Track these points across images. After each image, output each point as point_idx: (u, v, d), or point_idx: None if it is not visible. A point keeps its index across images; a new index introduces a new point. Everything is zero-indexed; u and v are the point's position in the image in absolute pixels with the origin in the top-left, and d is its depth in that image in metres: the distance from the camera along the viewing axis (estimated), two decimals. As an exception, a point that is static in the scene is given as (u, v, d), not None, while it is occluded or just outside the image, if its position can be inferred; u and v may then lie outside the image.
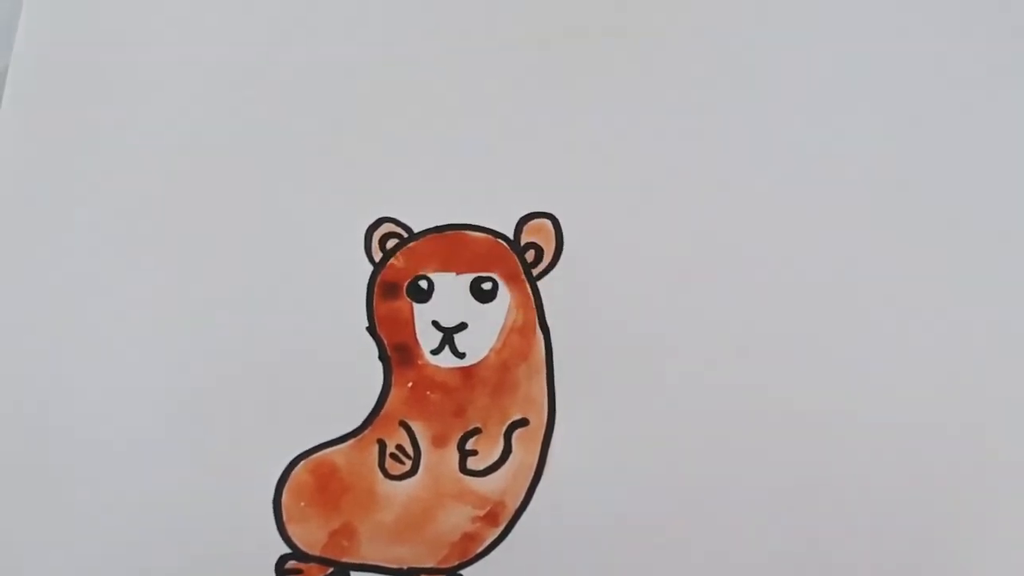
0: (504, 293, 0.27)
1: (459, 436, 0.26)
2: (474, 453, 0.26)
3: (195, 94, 0.29)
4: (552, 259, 0.27)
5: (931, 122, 0.28)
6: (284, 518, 0.26)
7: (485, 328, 0.26)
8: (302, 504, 0.26)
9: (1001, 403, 0.26)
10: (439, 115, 0.28)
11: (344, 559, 0.26)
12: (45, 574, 0.26)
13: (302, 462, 0.26)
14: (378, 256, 0.27)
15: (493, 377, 0.26)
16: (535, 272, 0.27)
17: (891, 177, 0.28)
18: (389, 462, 0.26)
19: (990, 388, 0.26)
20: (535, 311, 0.27)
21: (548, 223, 0.27)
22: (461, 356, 0.26)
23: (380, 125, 0.28)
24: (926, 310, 0.27)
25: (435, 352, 0.26)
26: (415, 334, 0.26)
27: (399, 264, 0.27)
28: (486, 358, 0.26)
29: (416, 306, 0.27)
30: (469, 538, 0.26)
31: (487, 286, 0.27)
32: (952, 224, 0.27)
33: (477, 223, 0.27)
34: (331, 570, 0.26)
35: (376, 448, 0.26)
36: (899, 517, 0.25)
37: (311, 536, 0.26)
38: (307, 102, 0.28)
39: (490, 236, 0.27)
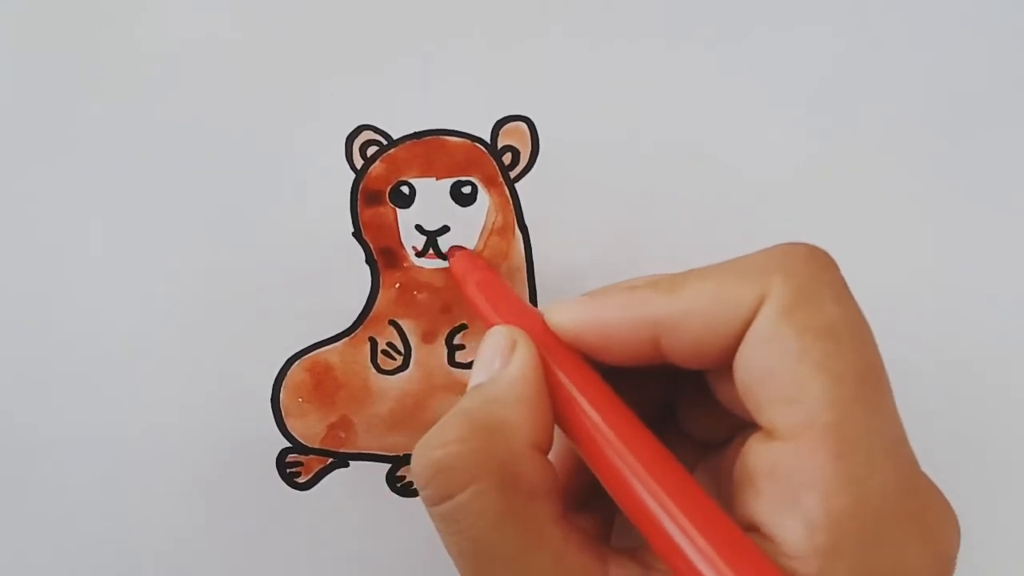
0: (483, 196, 0.28)
1: (447, 332, 0.28)
2: (462, 347, 0.28)
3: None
4: (528, 161, 0.28)
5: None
6: (283, 414, 0.28)
7: (466, 230, 0.28)
8: (300, 400, 0.28)
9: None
10: (414, 22, 0.28)
11: (342, 450, 0.28)
12: (53, 475, 0.28)
13: (298, 361, 0.28)
14: (359, 164, 0.28)
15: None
16: (512, 174, 0.28)
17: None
18: (381, 358, 0.28)
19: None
20: (514, 212, 0.28)
21: (524, 126, 0.28)
22: (445, 257, 0.28)
23: (357, 34, 0.28)
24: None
25: (420, 254, 0.28)
26: (399, 238, 0.28)
27: (380, 171, 0.28)
28: (469, 258, 0.28)
29: (399, 211, 0.28)
30: (458, 425, 0.28)
31: (467, 190, 0.28)
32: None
33: (454, 128, 0.28)
34: (331, 461, 0.28)
35: (368, 346, 0.28)
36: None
37: (310, 430, 0.28)
38: (285, 11, 0.28)
39: (468, 140, 0.28)
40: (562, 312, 0.20)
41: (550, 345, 0.19)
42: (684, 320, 0.18)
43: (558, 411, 0.19)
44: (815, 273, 0.17)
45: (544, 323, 0.20)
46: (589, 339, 0.19)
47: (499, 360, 0.19)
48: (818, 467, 0.16)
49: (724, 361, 0.18)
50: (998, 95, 0.29)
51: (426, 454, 0.17)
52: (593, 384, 0.19)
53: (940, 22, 0.29)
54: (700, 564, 0.15)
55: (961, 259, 0.29)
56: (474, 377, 0.20)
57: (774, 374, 0.17)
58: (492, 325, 0.21)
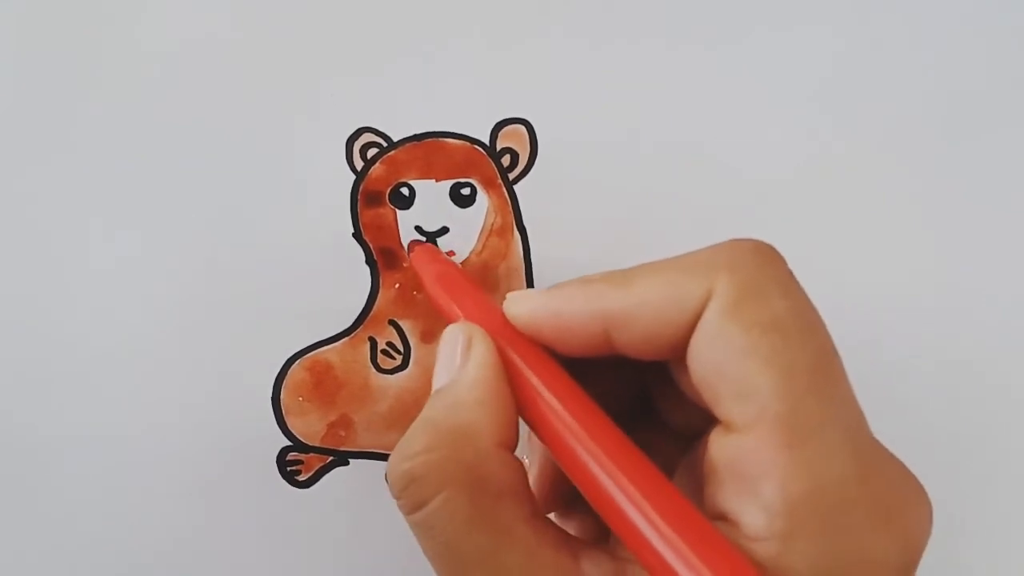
0: (482, 197, 0.28)
1: (446, 332, 0.28)
2: (461, 347, 0.28)
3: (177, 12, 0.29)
4: (527, 163, 0.28)
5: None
6: (284, 413, 0.28)
7: (466, 231, 0.28)
8: (300, 399, 0.28)
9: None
10: (414, 22, 0.28)
11: (342, 448, 0.28)
12: (53, 475, 0.28)
13: (298, 361, 0.28)
14: (359, 165, 0.28)
15: (475, 277, 0.28)
16: (511, 176, 0.28)
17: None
18: (381, 358, 0.28)
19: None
20: (512, 214, 0.28)
21: (523, 128, 0.28)
22: (444, 258, 0.28)
23: (357, 34, 0.28)
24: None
25: (419, 255, 0.28)
26: (399, 239, 0.28)
27: (380, 172, 0.28)
28: (467, 259, 0.28)
29: (399, 212, 0.28)
30: (457, 424, 0.28)
31: (466, 191, 0.28)
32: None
33: (454, 129, 0.28)
34: (331, 459, 0.28)
35: (368, 346, 0.28)
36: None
37: (310, 428, 0.28)
38: (285, 11, 0.28)
39: (467, 143, 0.28)
40: (519, 304, 0.20)
41: (512, 338, 0.19)
42: (634, 314, 0.18)
43: (521, 405, 0.19)
44: (761, 268, 0.17)
45: (505, 315, 0.20)
46: (545, 331, 0.19)
47: (458, 358, 0.19)
48: (773, 457, 0.16)
49: (676, 355, 0.18)
50: (998, 95, 0.29)
51: (397, 466, 0.18)
52: (555, 375, 0.19)
53: (940, 22, 0.29)
54: (663, 549, 0.15)
55: (961, 259, 0.29)
56: (436, 378, 0.20)
57: (724, 369, 0.17)
58: (451, 320, 0.21)
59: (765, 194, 0.28)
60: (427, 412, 0.19)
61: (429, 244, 0.27)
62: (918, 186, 0.29)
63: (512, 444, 0.19)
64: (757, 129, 0.28)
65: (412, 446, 0.18)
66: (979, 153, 0.29)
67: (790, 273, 0.18)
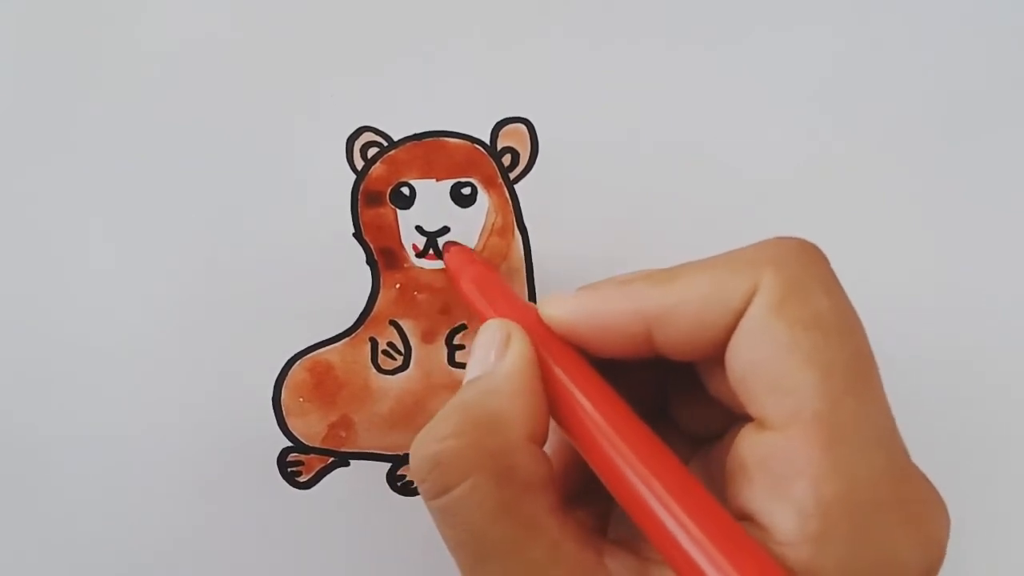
0: (483, 197, 0.28)
1: (447, 332, 0.28)
2: (461, 347, 0.28)
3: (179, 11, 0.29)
4: (528, 163, 0.28)
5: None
6: (284, 413, 0.28)
7: (466, 231, 0.28)
8: (301, 400, 0.28)
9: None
10: (414, 22, 0.28)
11: (343, 449, 0.28)
12: (53, 475, 0.28)
13: (299, 361, 0.28)
14: (360, 165, 0.28)
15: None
16: (512, 176, 0.28)
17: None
18: (381, 358, 0.28)
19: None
20: (513, 213, 0.28)
21: (523, 128, 0.28)
22: (445, 258, 0.28)
23: (357, 34, 0.28)
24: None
25: (420, 255, 0.28)
26: (400, 238, 0.28)
27: (380, 172, 0.28)
28: (468, 259, 0.28)
29: (400, 212, 0.28)
30: (458, 424, 0.28)
31: (466, 191, 0.28)
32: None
33: (454, 129, 0.28)
34: (331, 460, 0.28)
35: (368, 346, 0.28)
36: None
37: (311, 429, 0.28)
38: (285, 11, 0.28)
39: (467, 142, 0.28)
40: (556, 305, 0.20)
41: (545, 338, 0.20)
42: (676, 313, 0.18)
43: (553, 403, 0.19)
44: (805, 266, 0.17)
45: (539, 317, 0.20)
46: (583, 332, 0.19)
47: (494, 353, 0.19)
48: (808, 456, 0.16)
49: (716, 353, 0.18)
50: (998, 95, 0.29)
51: (423, 448, 0.18)
52: (587, 376, 0.19)
53: (940, 22, 0.29)
54: (692, 551, 0.15)
55: (961, 259, 0.29)
56: (470, 371, 0.20)
57: (764, 365, 0.17)
58: (487, 319, 0.21)
59: (765, 194, 0.28)
60: (459, 398, 0.19)
61: (463, 245, 0.27)
62: (918, 186, 0.29)
63: (541, 440, 0.19)
64: (757, 129, 0.28)
65: (440, 430, 0.18)
66: (979, 153, 0.29)
67: (832, 272, 0.18)
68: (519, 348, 0.19)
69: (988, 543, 0.29)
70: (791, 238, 0.18)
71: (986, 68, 0.29)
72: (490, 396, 0.18)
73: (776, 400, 0.17)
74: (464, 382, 0.20)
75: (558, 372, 0.19)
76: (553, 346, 0.19)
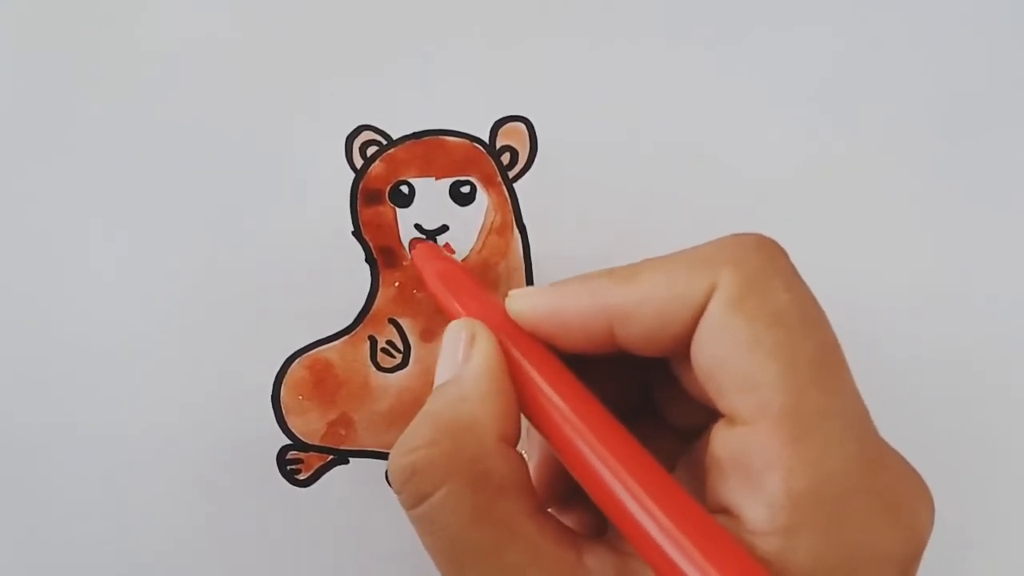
0: (482, 195, 0.28)
1: (446, 331, 0.28)
2: (461, 346, 0.28)
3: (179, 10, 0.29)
4: (527, 161, 0.28)
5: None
6: (284, 411, 0.28)
7: (465, 229, 0.28)
8: (300, 398, 0.28)
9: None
10: (414, 22, 0.28)
11: (342, 447, 0.28)
12: (54, 472, 0.28)
13: (298, 359, 0.28)
14: (359, 163, 0.28)
15: (475, 275, 0.28)
16: (511, 174, 0.28)
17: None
18: (381, 356, 0.28)
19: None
20: (512, 212, 0.28)
21: (522, 126, 0.28)
22: (444, 257, 0.28)
23: (357, 34, 0.28)
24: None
25: (419, 254, 0.28)
26: (399, 237, 0.28)
27: (380, 171, 0.28)
28: (467, 258, 0.28)
29: (399, 210, 0.28)
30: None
31: (466, 189, 0.28)
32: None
33: (454, 128, 0.28)
34: (331, 458, 0.28)
35: (368, 344, 0.28)
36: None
37: (310, 427, 0.28)
38: (285, 11, 0.28)
39: (466, 141, 0.28)
40: (521, 300, 0.20)
41: (513, 334, 0.20)
42: (637, 310, 0.18)
43: (522, 399, 0.19)
44: (764, 262, 0.17)
45: (507, 312, 0.20)
46: (547, 327, 0.19)
47: (460, 355, 0.19)
48: (777, 450, 0.16)
49: (679, 350, 0.18)
50: (998, 95, 0.29)
51: (398, 460, 0.18)
52: (556, 371, 0.19)
53: (940, 22, 0.29)
54: (664, 543, 0.15)
55: (961, 259, 0.29)
56: (438, 375, 0.20)
57: (728, 363, 0.17)
58: (453, 317, 0.21)
59: (765, 194, 0.28)
60: (429, 406, 0.19)
61: (430, 242, 0.27)
62: (918, 186, 0.29)
63: (514, 439, 0.19)
64: (757, 129, 0.28)
65: (414, 440, 0.18)
66: (979, 153, 0.29)
67: (792, 266, 0.18)
68: (484, 348, 0.19)
69: (988, 543, 0.29)
70: (749, 234, 0.18)
71: (986, 68, 0.29)
72: (460, 402, 0.18)
73: (742, 396, 0.17)
74: (434, 386, 0.20)
75: (525, 366, 0.19)
76: (522, 342, 0.19)
